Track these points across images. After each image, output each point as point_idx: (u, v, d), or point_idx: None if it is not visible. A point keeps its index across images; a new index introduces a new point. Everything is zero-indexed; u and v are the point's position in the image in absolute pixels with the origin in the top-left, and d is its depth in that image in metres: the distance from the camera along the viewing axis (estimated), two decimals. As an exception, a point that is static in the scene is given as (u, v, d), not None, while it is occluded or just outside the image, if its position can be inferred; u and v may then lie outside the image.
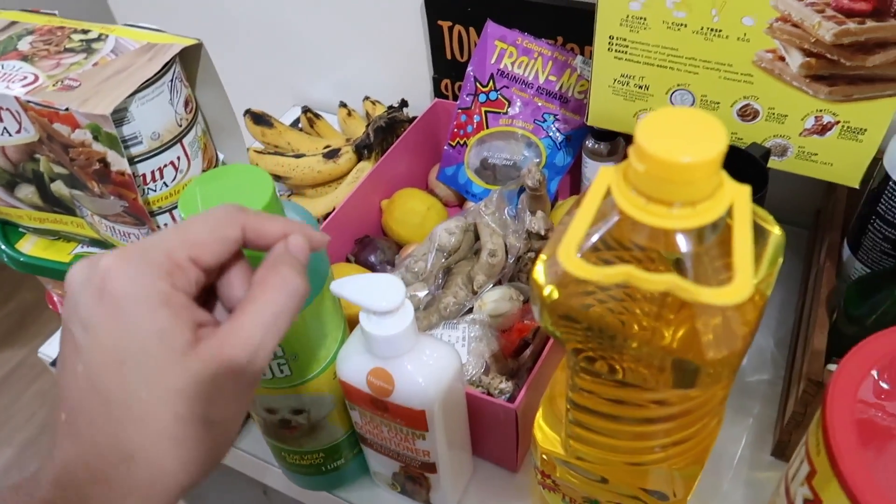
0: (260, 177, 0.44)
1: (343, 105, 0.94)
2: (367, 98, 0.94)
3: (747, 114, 0.56)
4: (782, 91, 0.54)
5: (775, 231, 0.36)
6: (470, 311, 0.64)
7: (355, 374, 0.49)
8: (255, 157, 0.82)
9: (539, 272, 0.36)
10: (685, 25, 0.54)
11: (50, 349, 0.78)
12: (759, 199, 0.52)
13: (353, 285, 0.45)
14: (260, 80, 1.10)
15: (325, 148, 0.82)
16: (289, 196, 0.84)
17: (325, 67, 1.01)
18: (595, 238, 0.34)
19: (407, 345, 0.46)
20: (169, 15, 1.10)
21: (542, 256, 0.37)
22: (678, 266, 0.33)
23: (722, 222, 0.32)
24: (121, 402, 0.28)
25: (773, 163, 0.58)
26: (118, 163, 0.46)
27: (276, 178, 0.82)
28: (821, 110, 0.53)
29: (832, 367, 0.52)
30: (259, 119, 0.87)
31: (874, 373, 0.37)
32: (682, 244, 0.32)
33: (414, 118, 0.84)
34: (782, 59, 0.52)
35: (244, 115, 0.88)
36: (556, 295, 0.35)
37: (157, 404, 0.29)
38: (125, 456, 0.29)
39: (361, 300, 0.45)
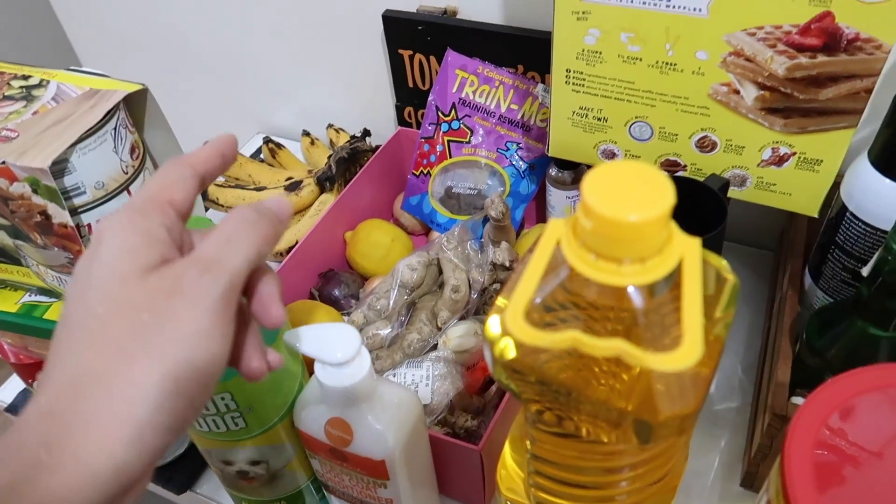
0: (204, 225, 0.42)
1: (306, 134, 0.93)
2: (330, 126, 0.93)
3: (705, 145, 0.56)
4: (739, 123, 0.53)
5: (730, 278, 0.36)
6: (434, 347, 0.63)
7: (313, 424, 0.48)
8: (216, 191, 0.80)
9: (493, 324, 0.35)
10: (640, 59, 0.53)
11: (4, 394, 0.75)
12: (718, 232, 0.52)
13: (306, 336, 0.44)
14: (223, 108, 1.08)
15: (287, 180, 0.81)
16: (251, 229, 0.82)
17: (288, 95, 1.00)
18: (546, 291, 0.33)
19: (364, 394, 0.45)
20: (132, 45, 1.08)
21: (498, 303, 0.36)
22: (632, 319, 0.33)
23: (674, 275, 0.32)
24: (80, 323, 0.27)
25: (733, 192, 0.58)
26: (60, 215, 0.44)
27: (238, 211, 0.81)
28: (777, 142, 0.53)
29: (796, 399, 0.52)
30: (219, 151, 0.85)
31: (833, 419, 0.36)
32: (634, 300, 0.31)
33: (377, 147, 0.83)
34: (737, 92, 0.52)
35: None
36: (509, 352, 0.34)
37: (113, 318, 0.27)
38: (82, 381, 0.26)
39: (315, 352, 0.43)
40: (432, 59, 0.79)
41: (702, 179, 0.57)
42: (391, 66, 0.82)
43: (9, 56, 0.53)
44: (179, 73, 1.07)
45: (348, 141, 0.82)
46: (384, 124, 0.94)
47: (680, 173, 0.59)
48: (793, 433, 0.36)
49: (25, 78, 0.49)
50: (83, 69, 0.50)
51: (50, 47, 1.34)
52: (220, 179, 0.86)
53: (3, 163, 0.42)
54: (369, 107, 0.93)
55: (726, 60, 0.51)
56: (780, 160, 0.54)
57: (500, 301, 0.35)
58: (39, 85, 0.49)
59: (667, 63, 0.53)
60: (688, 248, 0.31)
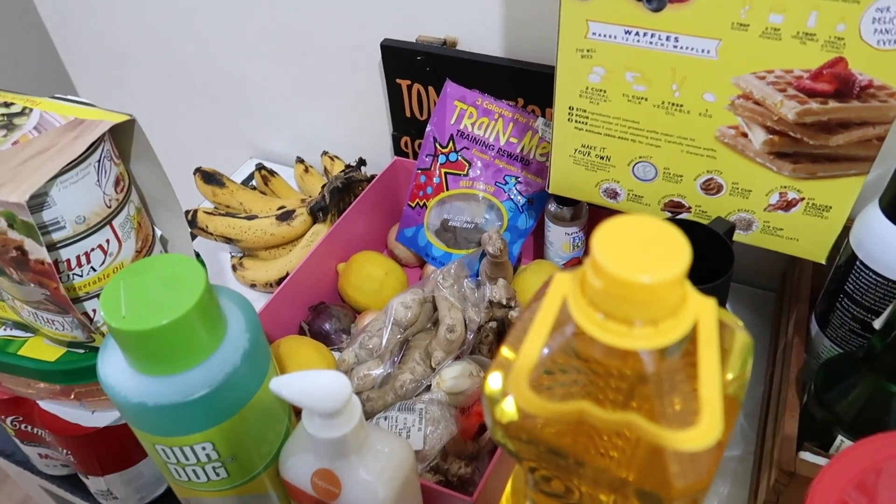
0: (191, 269, 0.40)
1: (300, 161, 0.91)
2: (325, 153, 0.91)
3: (711, 188, 0.55)
4: (746, 166, 0.52)
5: (744, 337, 0.34)
6: (428, 388, 0.61)
7: (299, 476, 0.45)
8: (205, 218, 0.78)
9: (494, 381, 0.33)
10: (645, 99, 0.52)
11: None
12: (726, 279, 0.50)
13: (294, 384, 0.42)
14: (216, 131, 1.07)
15: (279, 209, 0.79)
16: (241, 258, 0.80)
17: (282, 121, 0.99)
18: (551, 349, 0.31)
19: (354, 445, 0.43)
20: (125, 67, 1.07)
21: (502, 354, 0.33)
22: (639, 379, 0.31)
23: (687, 338, 0.30)
24: None
25: (739, 236, 0.57)
26: (36, 251, 0.42)
27: (228, 240, 0.78)
28: (785, 186, 0.52)
29: (804, 454, 0.50)
30: (210, 178, 0.83)
31: (858, 482, 0.34)
32: (644, 363, 0.29)
33: (372, 177, 0.82)
34: (745, 135, 0.51)
35: (194, 173, 0.84)
36: (509, 415, 0.32)
37: None
38: None
39: (303, 401, 0.41)
40: (431, 89, 0.78)
41: (707, 222, 0.56)
42: (389, 95, 0.81)
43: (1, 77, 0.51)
44: (173, 96, 1.06)
45: (343, 170, 0.80)
46: (380, 153, 0.92)
47: (684, 215, 0.58)
48: (813, 495, 0.34)
49: (7, 105, 0.47)
50: (68, 97, 0.48)
51: (43, 69, 1.33)
52: (210, 207, 0.84)
53: (-21, 196, 0.40)
54: (365, 135, 0.92)
55: (734, 103, 0.49)
56: (787, 205, 0.53)
57: (504, 352, 0.33)
58: (22, 113, 0.47)
59: (673, 104, 0.51)
60: (703, 310, 0.29)
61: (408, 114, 0.82)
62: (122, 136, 0.49)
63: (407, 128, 0.83)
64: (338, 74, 0.87)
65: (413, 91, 0.79)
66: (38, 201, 0.42)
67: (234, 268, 0.79)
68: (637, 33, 0.49)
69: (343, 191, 0.79)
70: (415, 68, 0.77)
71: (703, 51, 0.48)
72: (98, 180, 0.44)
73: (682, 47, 0.48)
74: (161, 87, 1.06)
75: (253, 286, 0.78)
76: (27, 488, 0.79)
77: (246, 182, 0.94)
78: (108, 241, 0.46)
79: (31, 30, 1.18)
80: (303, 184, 0.89)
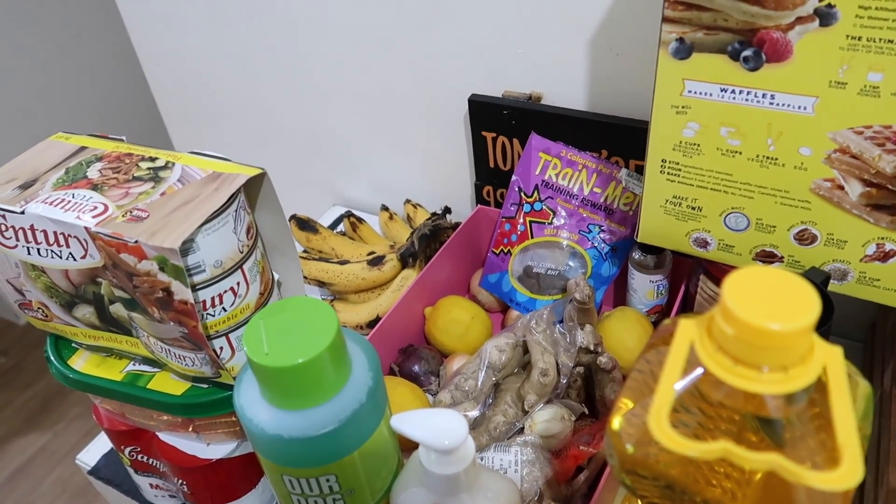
0: (323, 310, 0.44)
1: (385, 208, 0.95)
2: (408, 201, 0.96)
3: (805, 238, 0.56)
4: (841, 218, 0.53)
5: (865, 387, 0.35)
6: (520, 431, 0.62)
7: (411, 510, 0.47)
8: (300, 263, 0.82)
9: (617, 424, 0.35)
10: (740, 153, 0.54)
11: (88, 457, 0.77)
12: (825, 330, 0.51)
13: (413, 421, 0.44)
14: (302, 180, 1.12)
15: (370, 255, 0.82)
16: (332, 301, 0.84)
17: (366, 170, 1.04)
18: (679, 391, 0.33)
19: (467, 482, 0.45)
20: (218, 122, 1.14)
21: (621, 406, 0.36)
22: (764, 424, 0.32)
23: (813, 386, 0.31)
24: None
25: (834, 286, 0.57)
26: (182, 292, 0.46)
27: (321, 283, 0.82)
28: (882, 238, 0.53)
29: (912, 508, 0.49)
30: (304, 225, 0.88)
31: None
32: (772, 407, 0.31)
33: (457, 224, 0.85)
34: (841, 187, 0.52)
35: (289, 220, 0.89)
36: (633, 451, 0.33)
37: None
38: None
39: (423, 438, 0.43)
40: (515, 141, 0.82)
41: (800, 272, 0.56)
42: (473, 146, 0.85)
43: (101, 118, 0.56)
44: (262, 145, 1.12)
45: (430, 218, 0.84)
46: (460, 202, 0.96)
47: (776, 265, 0.59)
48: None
49: (153, 160, 0.52)
50: (205, 152, 0.53)
51: (142, 121, 1.43)
52: (303, 251, 0.88)
53: (136, 242, 0.45)
54: (447, 184, 0.96)
55: (831, 157, 0.51)
56: (885, 256, 0.53)
57: (623, 402, 0.36)
58: (165, 167, 0.52)
59: (768, 157, 0.53)
60: (831, 358, 0.31)
61: (491, 164, 0.85)
62: (251, 188, 0.53)
63: (490, 178, 0.87)
64: (424, 127, 0.92)
65: (498, 143, 0.83)
66: (185, 247, 0.46)
67: (324, 310, 0.83)
68: (733, 91, 0.51)
69: (430, 237, 0.82)
70: (500, 121, 0.81)
71: (799, 107, 0.50)
72: (235, 228, 0.49)
73: (778, 104, 0.50)
74: (250, 137, 1.13)
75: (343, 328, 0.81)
76: (126, 518, 0.82)
77: (331, 228, 0.99)
78: (238, 283, 0.50)
79: (134, 85, 1.28)
80: (387, 230, 0.93)
